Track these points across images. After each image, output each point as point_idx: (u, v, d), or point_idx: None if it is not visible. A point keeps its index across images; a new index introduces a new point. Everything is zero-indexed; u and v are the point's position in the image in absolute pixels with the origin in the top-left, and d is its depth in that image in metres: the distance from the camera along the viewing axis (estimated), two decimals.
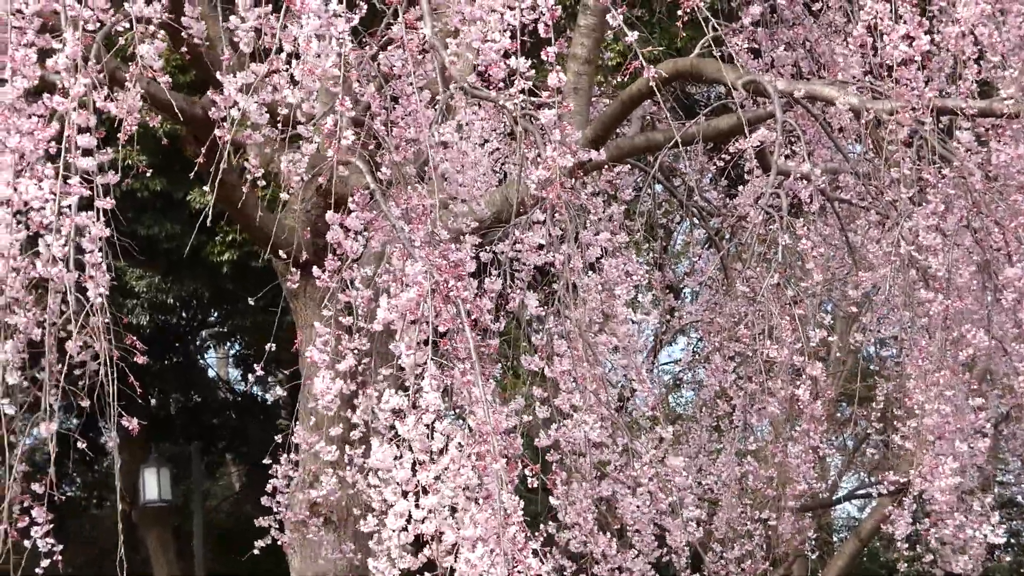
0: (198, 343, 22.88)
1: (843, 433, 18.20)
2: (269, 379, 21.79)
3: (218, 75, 6.85)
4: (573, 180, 7.56)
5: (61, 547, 7.17)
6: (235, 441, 22.76)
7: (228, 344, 23.80)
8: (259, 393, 23.82)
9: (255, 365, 8.85)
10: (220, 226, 14.93)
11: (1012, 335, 9.31)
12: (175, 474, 20.35)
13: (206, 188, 7.72)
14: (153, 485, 18.82)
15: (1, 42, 6.30)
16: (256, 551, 9.38)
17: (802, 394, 9.38)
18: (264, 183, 8.47)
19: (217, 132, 7.02)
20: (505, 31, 6.43)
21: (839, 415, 18.19)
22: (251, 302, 9.37)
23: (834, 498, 20.23)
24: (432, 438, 6.57)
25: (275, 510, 9.10)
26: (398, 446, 6.74)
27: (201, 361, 23.62)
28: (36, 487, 7.05)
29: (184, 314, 21.15)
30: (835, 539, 23.13)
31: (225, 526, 22.79)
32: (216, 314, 21.56)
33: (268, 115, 6.96)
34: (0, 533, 7.00)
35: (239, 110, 6.63)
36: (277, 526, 9.19)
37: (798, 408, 9.68)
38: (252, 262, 15.64)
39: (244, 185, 7.88)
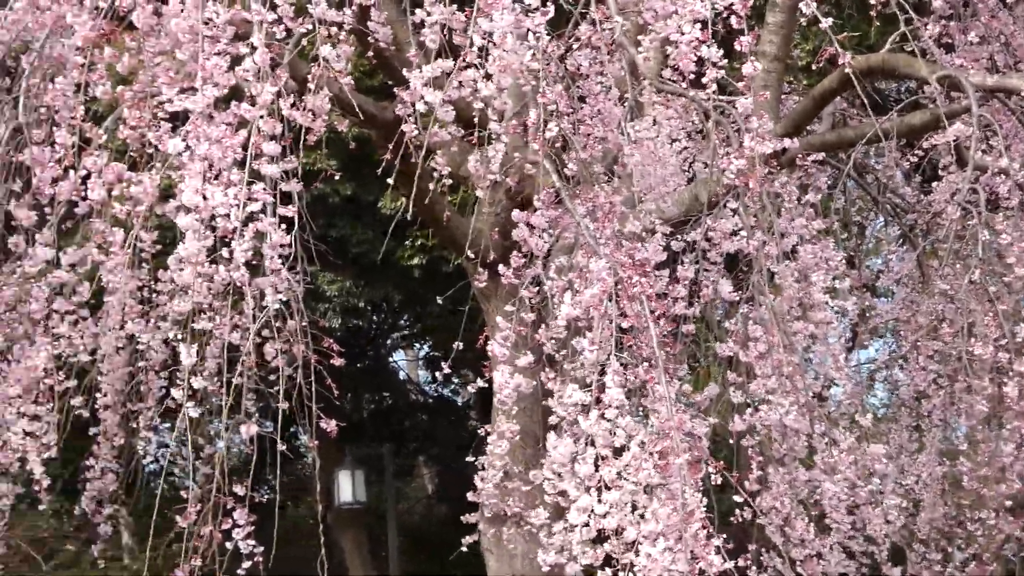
0: (388, 346, 23.07)
1: None
2: (456, 379, 21.87)
3: (405, 72, 6.91)
4: (768, 170, 7.52)
5: (262, 548, 7.31)
6: (426, 443, 22.91)
7: (417, 346, 23.97)
8: (449, 394, 23.91)
9: (443, 365, 8.88)
10: (411, 230, 15.06)
11: None
12: (368, 476, 20.54)
13: (397, 192, 7.86)
14: (347, 487, 19.01)
15: (193, 51, 6.44)
16: (464, 548, 9.42)
17: (1011, 391, 9.23)
18: (454, 185, 8.56)
19: (404, 127, 7.10)
20: (696, 22, 6.39)
21: None
22: (439, 301, 9.46)
23: None
24: (614, 434, 6.56)
25: (482, 503, 9.10)
26: (577, 442, 6.76)
27: (391, 363, 23.80)
28: (238, 489, 7.18)
29: (375, 317, 21.30)
30: None
31: (418, 527, 22.97)
32: (406, 317, 21.69)
33: (455, 113, 7.00)
34: (205, 535, 7.16)
35: (425, 104, 6.67)
36: (480, 522, 9.27)
37: (1005, 405, 9.51)
38: (442, 266, 15.76)
39: (435, 188, 7.97)
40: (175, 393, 7.02)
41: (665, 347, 6.82)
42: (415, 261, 16.34)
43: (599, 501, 6.56)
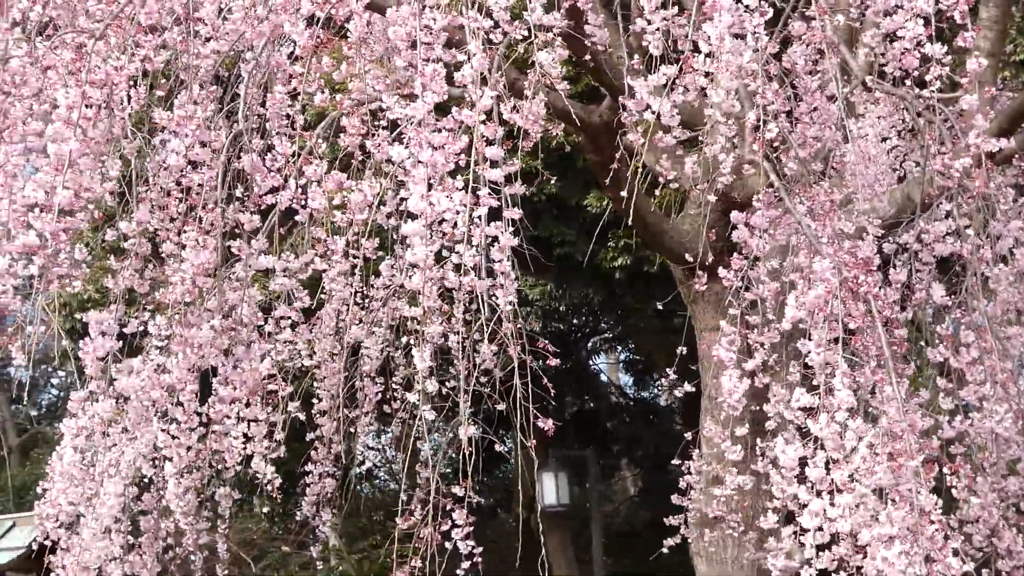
0: (588, 349, 23.11)
1: None
2: (658, 382, 21.85)
3: (627, 80, 6.90)
4: (983, 170, 7.39)
5: (480, 548, 7.35)
6: (629, 445, 22.93)
7: (619, 349, 23.98)
8: (650, 397, 23.90)
9: (668, 371, 8.88)
10: (614, 231, 15.02)
11: None
12: (571, 479, 20.59)
13: (603, 193, 7.85)
14: (551, 490, 19.07)
15: (410, 58, 6.49)
16: (665, 550, 9.42)
17: None
18: (655, 185, 8.55)
19: (629, 136, 7.10)
20: (918, 17, 6.26)
21: None
22: (659, 306, 9.44)
23: None
24: (844, 436, 6.49)
25: (688, 507, 9.13)
26: (805, 445, 6.72)
27: (592, 367, 23.84)
28: (457, 490, 7.24)
29: (575, 320, 21.39)
30: None
31: (622, 529, 23.01)
32: (606, 320, 21.71)
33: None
34: (425, 536, 7.24)
35: (652, 113, 6.67)
36: (684, 524, 9.24)
37: None
38: (645, 267, 15.68)
39: (643, 190, 7.96)
40: (410, 396, 7.11)
41: (892, 346, 6.71)
42: (618, 263, 16.17)
43: (831, 504, 6.52)
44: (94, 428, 7.91)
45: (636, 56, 7.23)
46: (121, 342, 7.29)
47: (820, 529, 6.59)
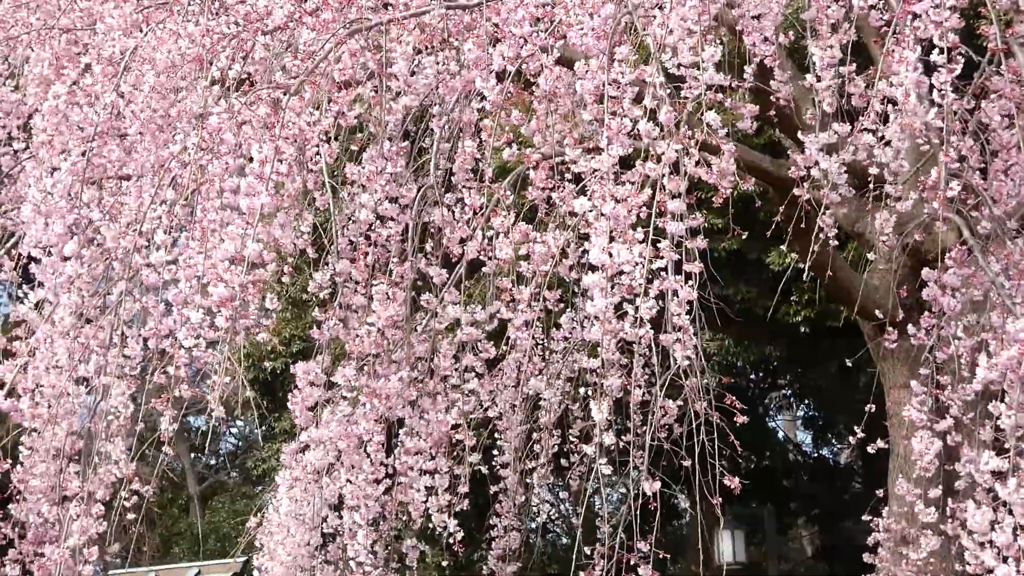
0: (767, 405, 22.99)
1: None
2: (844, 440, 21.63)
3: (799, 135, 6.89)
4: None
5: None
6: (806, 504, 22.73)
7: (796, 406, 23.81)
8: (828, 455, 23.65)
9: (856, 429, 8.79)
10: (796, 286, 14.93)
11: None
12: (748, 536, 20.47)
13: (787, 248, 7.80)
14: (728, 547, 18.96)
15: (597, 112, 6.53)
16: None
17: None
18: (844, 243, 8.47)
19: (796, 191, 7.07)
20: None
21: None
22: (848, 362, 9.36)
23: None
24: None
25: (876, 565, 9.00)
26: (995, 510, 6.59)
27: (770, 423, 23.69)
28: (641, 546, 7.22)
29: (753, 376, 21.29)
30: None
31: None
32: (787, 376, 21.58)
33: (848, 174, 6.95)
34: None
35: (820, 170, 6.64)
36: None
37: None
38: (829, 322, 15.54)
39: (829, 245, 7.92)
40: (587, 449, 7.12)
41: None
42: (800, 318, 16.06)
43: (1018, 571, 6.40)
44: (307, 480, 8.04)
45: (810, 111, 7.21)
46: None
47: None
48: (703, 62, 6.56)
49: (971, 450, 7.27)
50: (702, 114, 6.65)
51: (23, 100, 8.20)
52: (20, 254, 7.77)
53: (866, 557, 8.94)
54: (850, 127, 6.59)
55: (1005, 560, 6.48)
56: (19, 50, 8.44)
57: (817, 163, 6.83)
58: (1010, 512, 6.49)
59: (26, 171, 7.91)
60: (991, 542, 6.63)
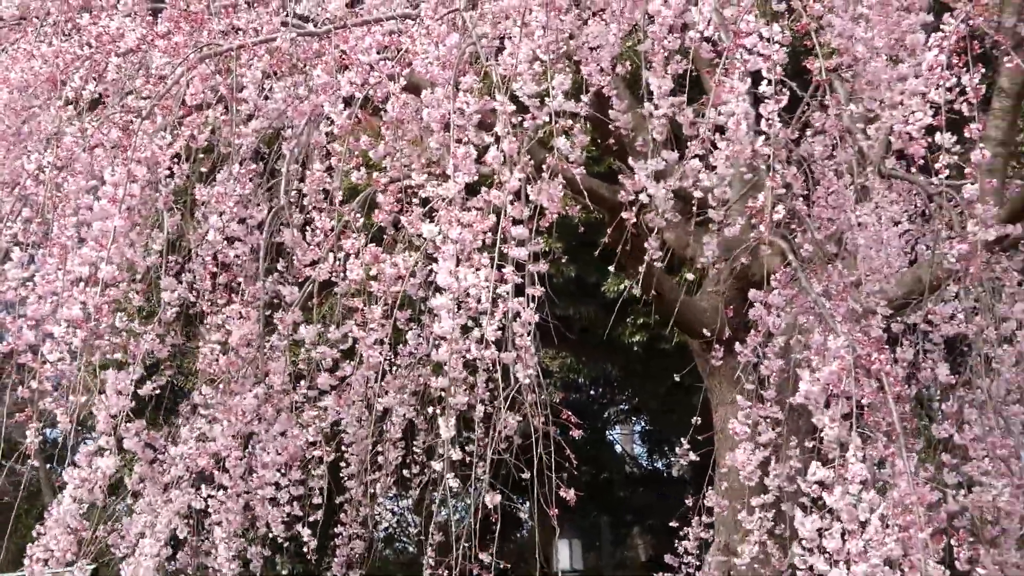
0: (605, 420, 23.19)
1: None
2: (676, 453, 21.95)
3: (630, 161, 6.97)
4: (989, 255, 7.44)
5: None
6: (641, 513, 22.97)
7: (633, 421, 24.05)
8: (662, 467, 23.91)
9: (682, 441, 8.94)
10: (632, 308, 15.08)
11: None
12: (585, 545, 20.65)
13: (621, 273, 7.88)
14: (566, 556, 19.14)
15: (443, 140, 6.56)
16: None
17: None
18: (678, 266, 8.59)
19: (624, 215, 7.14)
20: (929, 109, 6.32)
21: None
22: (676, 378, 9.46)
23: None
24: (858, 508, 6.52)
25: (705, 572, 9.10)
26: (822, 517, 6.71)
27: (608, 437, 23.91)
28: (483, 556, 7.27)
29: (593, 391, 21.49)
30: None
31: None
32: (625, 393, 21.83)
33: (679, 200, 7.03)
34: None
35: (648, 195, 6.72)
36: None
37: None
38: (661, 343, 15.68)
39: (654, 269, 8.02)
40: (435, 465, 7.14)
41: (903, 422, 6.74)
42: (636, 339, 16.30)
43: (848, 573, 6.53)
44: (96, 481, 7.94)
45: (641, 139, 7.29)
46: (135, 402, 7.30)
47: None
48: (552, 89, 6.64)
49: (780, 465, 7.43)
50: (551, 142, 6.72)
51: None
52: None
53: (668, 558, 9.37)
54: (679, 155, 6.67)
55: (836, 564, 6.61)
56: None
57: (645, 189, 6.91)
58: (837, 519, 6.61)
59: None
60: (820, 547, 6.77)
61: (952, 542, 6.82)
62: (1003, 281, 8.34)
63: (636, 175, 6.67)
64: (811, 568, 6.76)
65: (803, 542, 6.80)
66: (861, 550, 6.48)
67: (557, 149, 6.59)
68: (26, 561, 7.76)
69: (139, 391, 7.50)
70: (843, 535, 6.57)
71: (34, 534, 7.71)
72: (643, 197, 6.70)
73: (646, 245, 7.62)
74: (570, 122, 6.73)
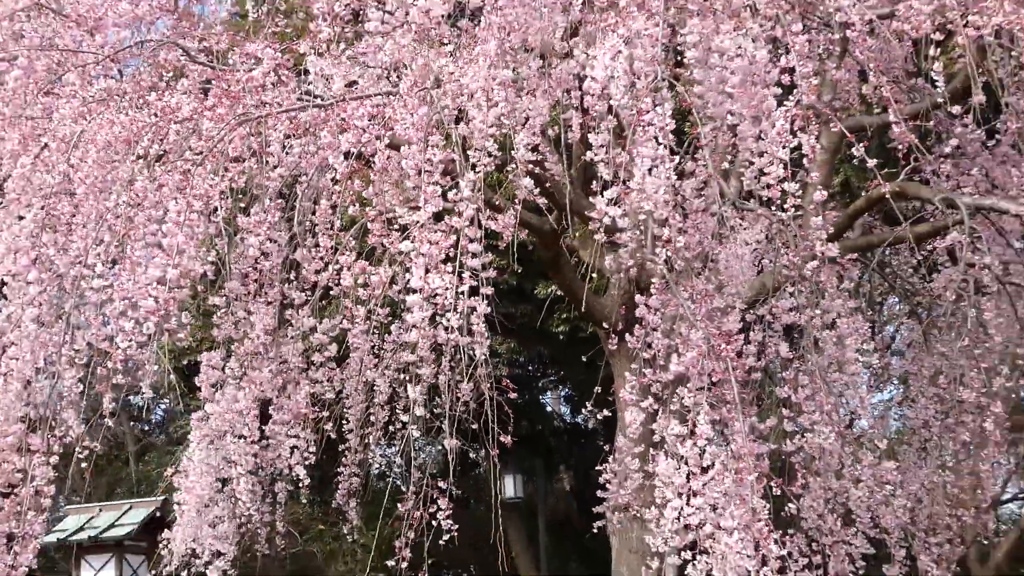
0: (540, 388, 23.22)
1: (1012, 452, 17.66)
2: (587, 412, 21.96)
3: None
4: (817, 265, 7.54)
5: (456, 526, 7.37)
6: (567, 456, 22.99)
7: (559, 388, 24.05)
8: (582, 422, 23.90)
9: (587, 404, 8.98)
10: (558, 307, 15.13)
11: None
12: (525, 479, 20.70)
13: (549, 281, 7.85)
14: (510, 486, 19.17)
15: (417, 182, 6.54)
16: (595, 531, 9.33)
17: (989, 426, 9.18)
18: (592, 276, 8.60)
19: (564, 241, 7.12)
20: (780, 162, 6.33)
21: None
22: (583, 359, 9.47)
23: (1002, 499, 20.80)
24: (703, 456, 6.63)
25: (607, 499, 9.09)
26: (678, 461, 6.84)
27: (542, 400, 23.93)
28: (442, 484, 7.25)
29: (529, 368, 21.52)
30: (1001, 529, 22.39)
31: (561, 518, 22.92)
32: (553, 368, 21.93)
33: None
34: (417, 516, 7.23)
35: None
36: (607, 511, 9.17)
37: (985, 436, 9.42)
38: (579, 332, 15.75)
39: (576, 278, 8.02)
40: (405, 418, 7.15)
41: (741, 395, 6.81)
42: (560, 329, 16.34)
43: (688, 504, 6.65)
44: (212, 436, 8.03)
45: (568, 187, 7.31)
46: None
47: (678, 519, 6.73)
48: (516, 146, 6.64)
49: (664, 419, 7.49)
50: (507, 184, 6.74)
51: None
52: None
53: (601, 493, 9.15)
54: (601, 195, 6.63)
55: (680, 495, 6.72)
56: None
57: (573, 219, 6.94)
58: (686, 463, 6.73)
59: None
60: (672, 482, 6.85)
61: (771, 484, 6.93)
62: (825, 284, 8.41)
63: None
64: (664, 496, 6.84)
65: (660, 478, 6.87)
66: (700, 487, 6.58)
67: (518, 188, 6.65)
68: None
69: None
70: (688, 476, 6.69)
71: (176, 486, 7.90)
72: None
73: (564, 261, 7.66)
74: (524, 168, 6.75)
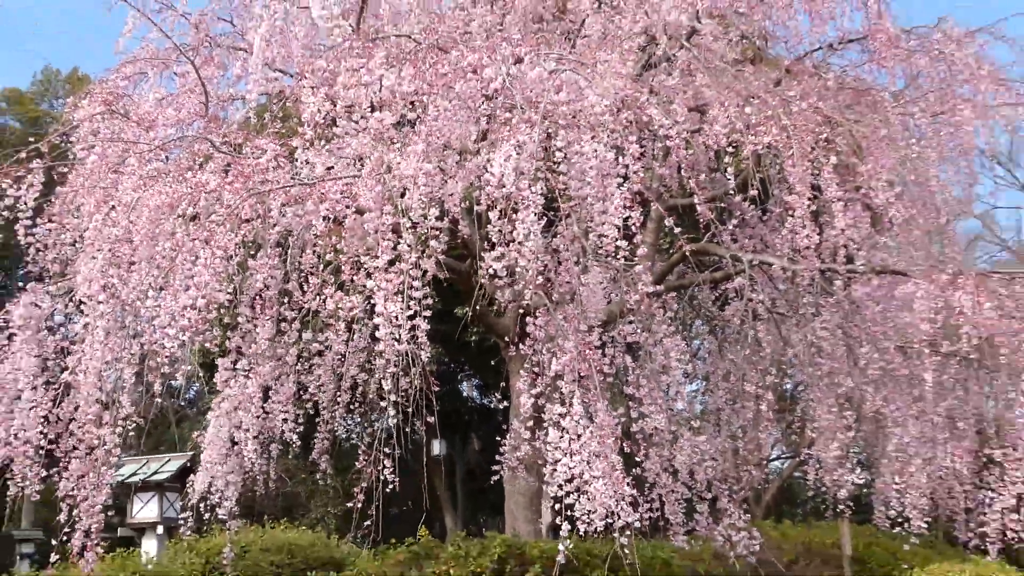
0: (459, 380, 23.07)
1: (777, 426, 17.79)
2: (494, 398, 21.85)
3: (476, 252, 6.97)
4: (648, 301, 7.59)
5: (397, 479, 7.29)
6: (477, 428, 22.87)
7: (473, 380, 23.87)
8: (490, 405, 23.77)
9: (495, 395, 8.95)
10: (471, 323, 15.04)
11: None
12: (448, 444, 20.56)
13: (463, 306, 7.83)
14: (436, 447, 19.00)
15: (376, 240, 6.52)
16: (492, 481, 9.17)
17: (763, 407, 9.31)
18: (494, 302, 8.60)
19: (474, 280, 7.11)
20: (615, 228, 6.45)
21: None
22: (492, 362, 9.38)
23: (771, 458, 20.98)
24: (579, 427, 6.67)
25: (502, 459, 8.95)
26: (560, 432, 6.81)
27: (460, 388, 23.77)
28: (387, 449, 7.17)
29: (452, 366, 21.41)
30: (770, 478, 22.60)
31: (472, 469, 22.64)
32: (468, 367, 21.81)
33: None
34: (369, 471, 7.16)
35: (492, 271, 6.66)
36: (501, 469, 9.07)
37: (763, 415, 9.54)
38: (486, 343, 15.75)
39: (483, 304, 8.02)
40: (383, 404, 7.07)
41: (601, 385, 6.89)
42: (474, 339, 16.33)
43: (570, 466, 6.64)
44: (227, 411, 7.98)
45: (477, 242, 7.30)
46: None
47: (556, 470, 6.70)
48: (447, 214, 6.73)
49: (549, 404, 7.49)
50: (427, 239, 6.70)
51: (80, 223, 7.91)
52: (73, 299, 7.52)
53: (498, 456, 9.09)
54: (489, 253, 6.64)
55: (567, 455, 6.68)
56: (78, 198, 8.03)
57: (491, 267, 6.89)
58: (566, 432, 6.74)
59: (79, 259, 7.61)
60: (559, 446, 6.80)
61: (624, 446, 6.93)
62: (655, 314, 8.46)
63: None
64: (555, 459, 6.81)
65: (550, 443, 6.85)
66: (577, 448, 6.60)
67: (431, 248, 6.62)
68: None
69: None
70: (570, 442, 6.70)
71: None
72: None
73: (474, 293, 7.68)
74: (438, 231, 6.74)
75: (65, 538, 7.05)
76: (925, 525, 8.34)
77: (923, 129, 8.31)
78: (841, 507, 9.05)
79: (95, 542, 7.03)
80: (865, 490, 9.76)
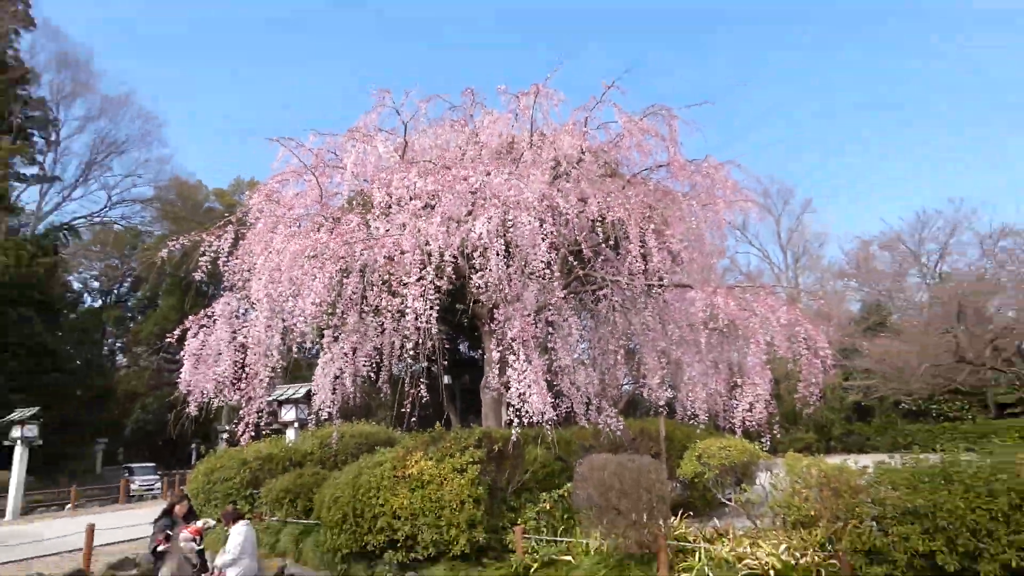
0: (458, 343, 20.91)
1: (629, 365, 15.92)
2: (477, 353, 20.52)
3: (467, 277, 6.83)
4: (559, 300, 7.29)
5: (427, 396, 6.96)
6: (469, 369, 21.39)
7: (466, 343, 21.58)
8: (475, 356, 21.64)
9: (479, 350, 8.60)
10: (464, 312, 13.99)
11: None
12: (452, 378, 18.67)
13: (460, 309, 7.61)
14: (446, 380, 16.04)
15: (390, 273, 6.51)
16: (475, 399, 8.69)
17: (619, 357, 8.95)
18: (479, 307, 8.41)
19: (465, 290, 7.07)
20: (542, 261, 6.44)
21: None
22: (475, 334, 8.98)
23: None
24: (523, 366, 6.48)
25: (483, 385, 8.41)
26: (514, 370, 6.57)
27: (459, 348, 21.48)
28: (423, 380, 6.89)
29: (454, 335, 19.34)
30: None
31: (466, 387, 20.61)
32: (462, 336, 19.88)
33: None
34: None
35: (476, 285, 6.57)
36: (481, 391, 8.56)
37: (617, 360, 9.06)
38: (472, 322, 13.82)
39: (472, 310, 7.85)
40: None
41: (536, 343, 6.63)
42: (465, 320, 14.08)
43: (518, 384, 6.57)
44: (327, 360, 7.49)
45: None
46: None
47: (512, 390, 6.53)
48: (451, 255, 6.57)
49: (510, 354, 7.08)
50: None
51: (252, 260, 7.89)
52: (249, 300, 7.51)
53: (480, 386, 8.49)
54: (480, 275, 6.47)
55: (518, 382, 6.35)
56: (251, 246, 7.94)
57: (470, 283, 6.79)
58: (517, 370, 6.46)
59: (252, 279, 7.59)
60: (516, 376, 6.49)
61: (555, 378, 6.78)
62: (563, 306, 7.84)
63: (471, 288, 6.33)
64: (510, 384, 6.64)
65: (508, 376, 6.58)
66: (523, 378, 6.53)
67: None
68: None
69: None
70: (518, 374, 6.60)
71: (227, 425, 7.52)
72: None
73: (467, 296, 7.49)
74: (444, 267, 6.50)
75: (242, 429, 7.27)
76: (704, 418, 8.45)
77: (697, 212, 8.53)
78: (660, 409, 8.98)
79: (251, 432, 7.16)
80: (673, 400, 9.57)
